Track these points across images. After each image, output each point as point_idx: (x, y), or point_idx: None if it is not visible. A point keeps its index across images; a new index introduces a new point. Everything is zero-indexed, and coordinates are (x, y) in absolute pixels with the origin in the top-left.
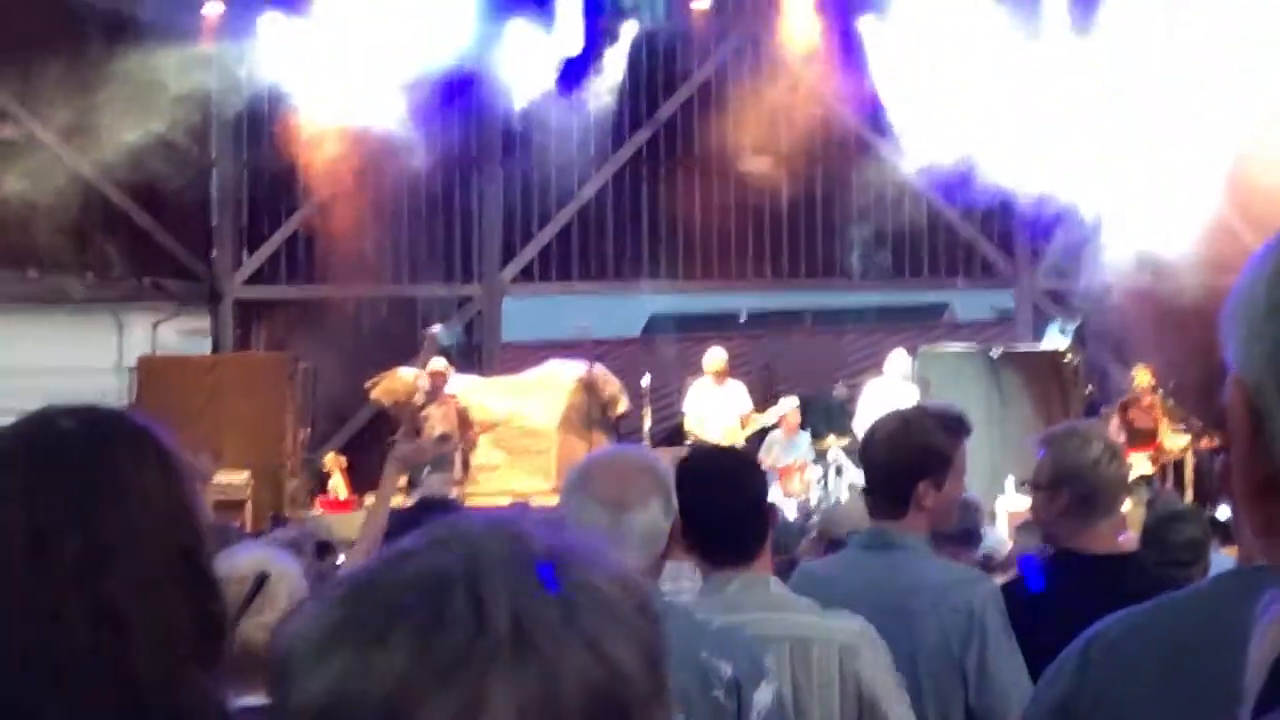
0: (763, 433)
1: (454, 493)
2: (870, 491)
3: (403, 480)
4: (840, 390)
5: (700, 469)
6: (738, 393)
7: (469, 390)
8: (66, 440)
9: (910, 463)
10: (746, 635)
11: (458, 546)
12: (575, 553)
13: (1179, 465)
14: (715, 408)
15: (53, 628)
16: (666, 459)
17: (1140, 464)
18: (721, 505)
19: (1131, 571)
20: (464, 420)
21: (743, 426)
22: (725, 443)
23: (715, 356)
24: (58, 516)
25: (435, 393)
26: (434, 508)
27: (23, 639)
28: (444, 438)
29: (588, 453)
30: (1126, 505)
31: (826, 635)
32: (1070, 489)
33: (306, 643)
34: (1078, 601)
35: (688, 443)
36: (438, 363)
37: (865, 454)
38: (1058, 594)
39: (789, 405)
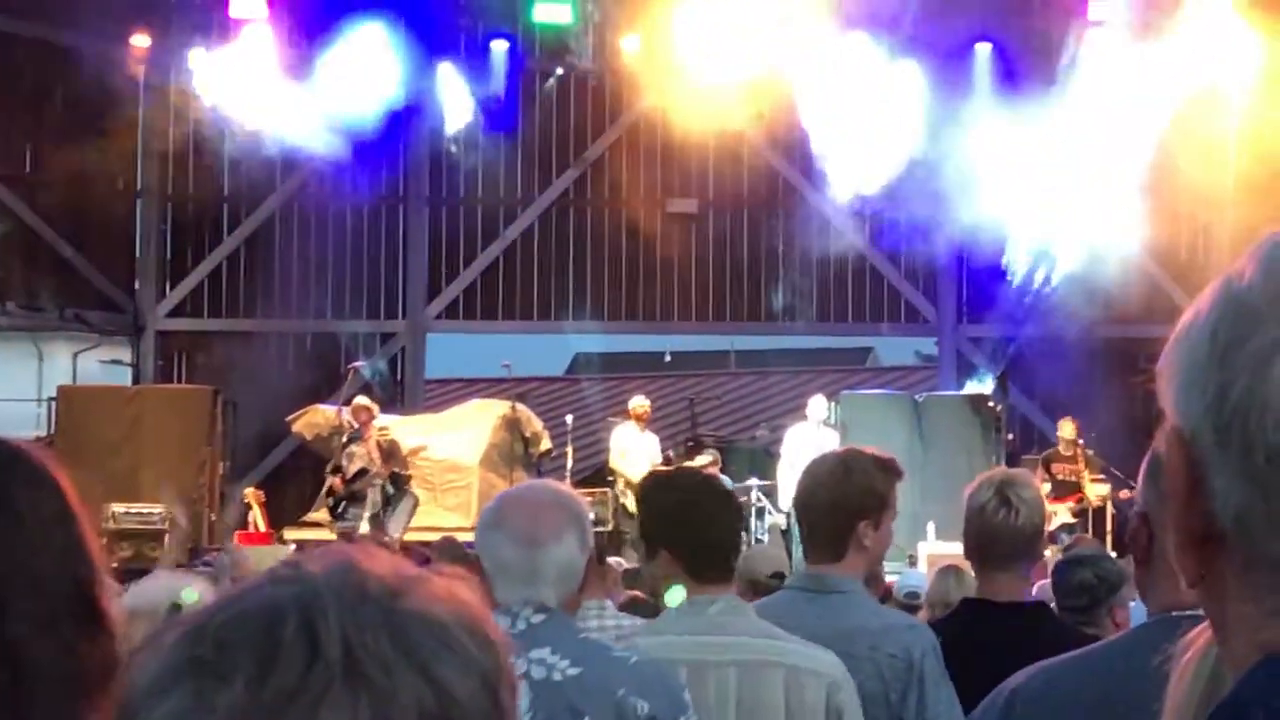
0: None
1: (364, 527)
2: (809, 534)
3: (325, 514)
4: (762, 433)
5: (686, 484)
6: (652, 443)
7: (392, 426)
8: None
9: (850, 504)
10: (665, 670)
11: (293, 581)
12: (415, 585)
13: (1099, 514)
14: (636, 450)
15: None
16: (586, 499)
17: (1062, 514)
18: (716, 521)
19: (1030, 621)
20: (389, 454)
21: None
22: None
23: (640, 402)
24: None
25: (362, 429)
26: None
27: None
28: (360, 473)
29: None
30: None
31: (817, 667)
32: (967, 536)
33: (146, 682)
34: (977, 650)
35: (609, 480)
36: (363, 400)
37: (804, 496)
38: (961, 643)
39: (707, 459)
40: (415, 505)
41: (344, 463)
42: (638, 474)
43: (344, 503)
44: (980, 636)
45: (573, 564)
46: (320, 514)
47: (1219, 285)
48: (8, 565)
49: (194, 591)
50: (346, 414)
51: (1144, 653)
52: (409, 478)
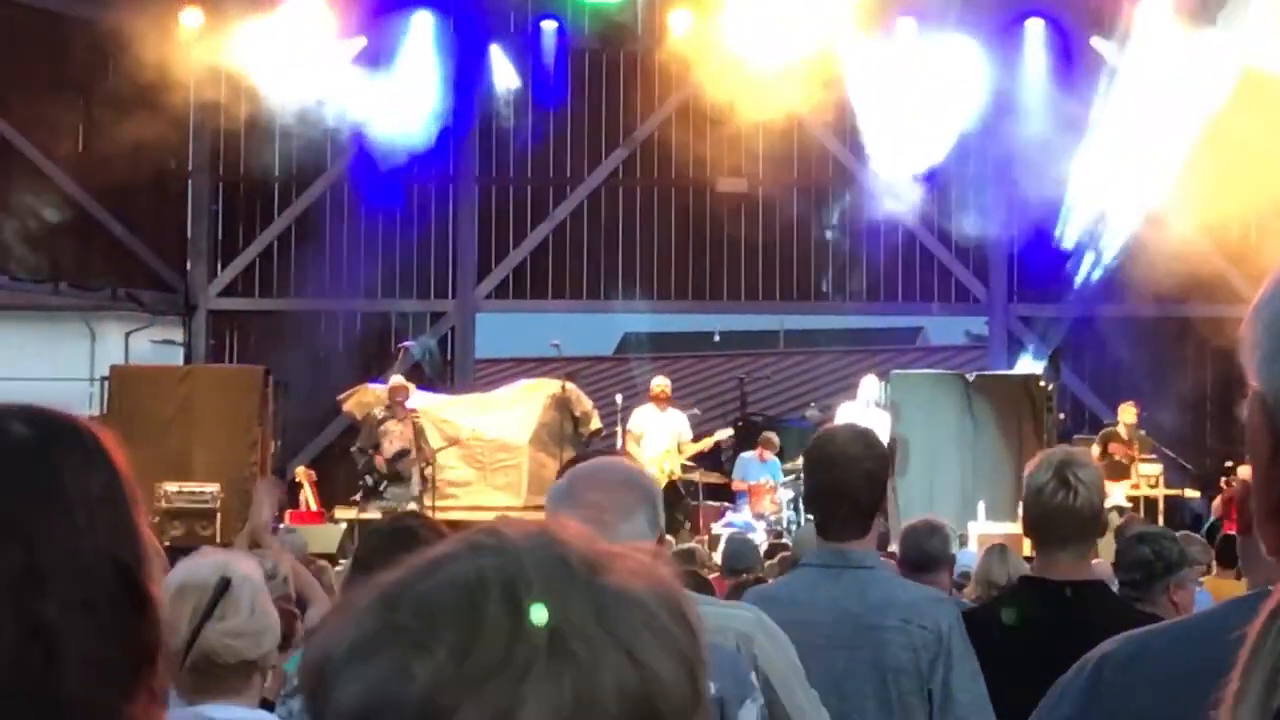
0: (735, 453)
1: (413, 507)
2: (832, 511)
3: (361, 494)
4: (812, 413)
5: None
6: (678, 420)
7: (442, 405)
8: (16, 445)
9: (877, 480)
10: (732, 654)
11: (495, 552)
12: (614, 561)
13: (1150, 499)
14: (655, 431)
15: None
16: None
17: (1116, 495)
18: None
19: (1088, 600)
20: (420, 436)
21: (679, 452)
22: (661, 466)
23: (659, 382)
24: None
25: (395, 408)
26: (407, 523)
27: None
28: (401, 453)
29: (559, 470)
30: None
31: (721, 623)
32: (1026, 515)
33: (344, 648)
34: (1036, 627)
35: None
36: (398, 379)
37: (828, 473)
38: (1020, 620)
39: (724, 434)
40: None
41: (381, 441)
42: (652, 457)
43: (385, 482)
44: (1039, 614)
45: (642, 541)
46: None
47: None
48: (49, 544)
49: (242, 569)
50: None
51: (1237, 624)
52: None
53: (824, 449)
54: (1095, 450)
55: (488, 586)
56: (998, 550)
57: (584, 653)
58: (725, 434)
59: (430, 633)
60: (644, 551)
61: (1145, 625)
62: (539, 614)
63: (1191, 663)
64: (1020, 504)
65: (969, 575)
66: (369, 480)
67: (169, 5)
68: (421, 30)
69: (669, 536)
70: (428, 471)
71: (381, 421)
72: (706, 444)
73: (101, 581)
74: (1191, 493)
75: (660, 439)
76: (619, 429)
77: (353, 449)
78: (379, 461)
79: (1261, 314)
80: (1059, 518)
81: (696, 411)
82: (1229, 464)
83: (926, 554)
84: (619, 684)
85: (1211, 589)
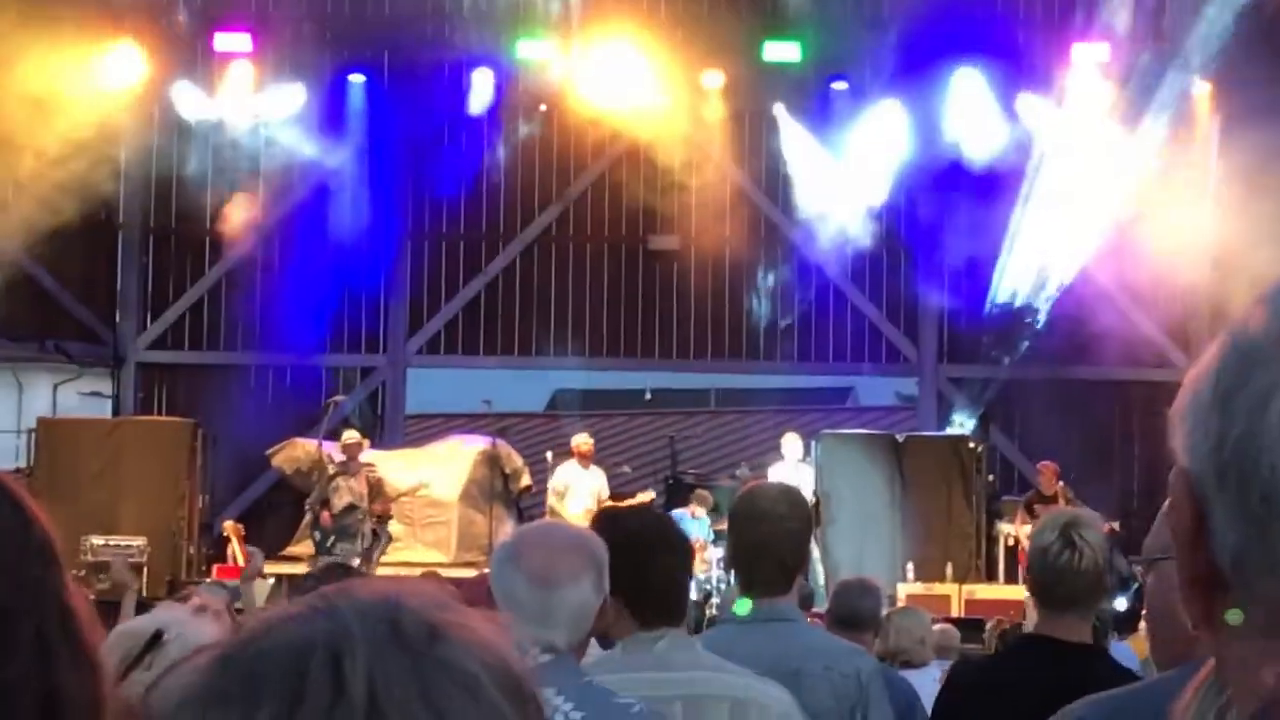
0: (665, 511)
1: (355, 563)
2: (757, 567)
3: (310, 548)
4: (743, 471)
5: (630, 526)
6: (599, 478)
7: (372, 461)
8: None
9: (800, 543)
10: None
11: (326, 616)
12: (453, 631)
13: None
14: (578, 488)
15: None
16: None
17: None
18: (661, 564)
19: (1088, 662)
20: (375, 491)
21: (598, 509)
22: (585, 522)
23: (582, 439)
24: None
25: (349, 463)
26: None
27: None
28: (349, 508)
29: (489, 527)
30: None
31: (765, 700)
32: (1030, 576)
33: (173, 705)
34: (1036, 689)
35: (546, 518)
36: (353, 435)
37: (754, 530)
38: (1020, 681)
39: (647, 496)
40: (388, 542)
41: (330, 496)
42: (575, 513)
43: (332, 537)
44: (1039, 676)
45: (586, 607)
46: (301, 547)
47: (1225, 331)
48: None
49: (175, 623)
50: (328, 448)
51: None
52: (389, 516)
53: (749, 506)
54: (1020, 515)
55: (312, 651)
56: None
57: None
58: (648, 495)
59: (253, 698)
60: (491, 622)
61: None
62: (358, 683)
63: None
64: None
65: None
66: (317, 536)
67: (101, 55)
68: (355, 84)
69: None
70: (374, 527)
71: (333, 478)
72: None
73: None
74: (1119, 556)
75: (583, 496)
76: (549, 486)
77: (305, 504)
78: (325, 518)
79: (1186, 393)
80: (1064, 579)
81: (628, 469)
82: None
83: (856, 613)
84: None
85: (1137, 649)
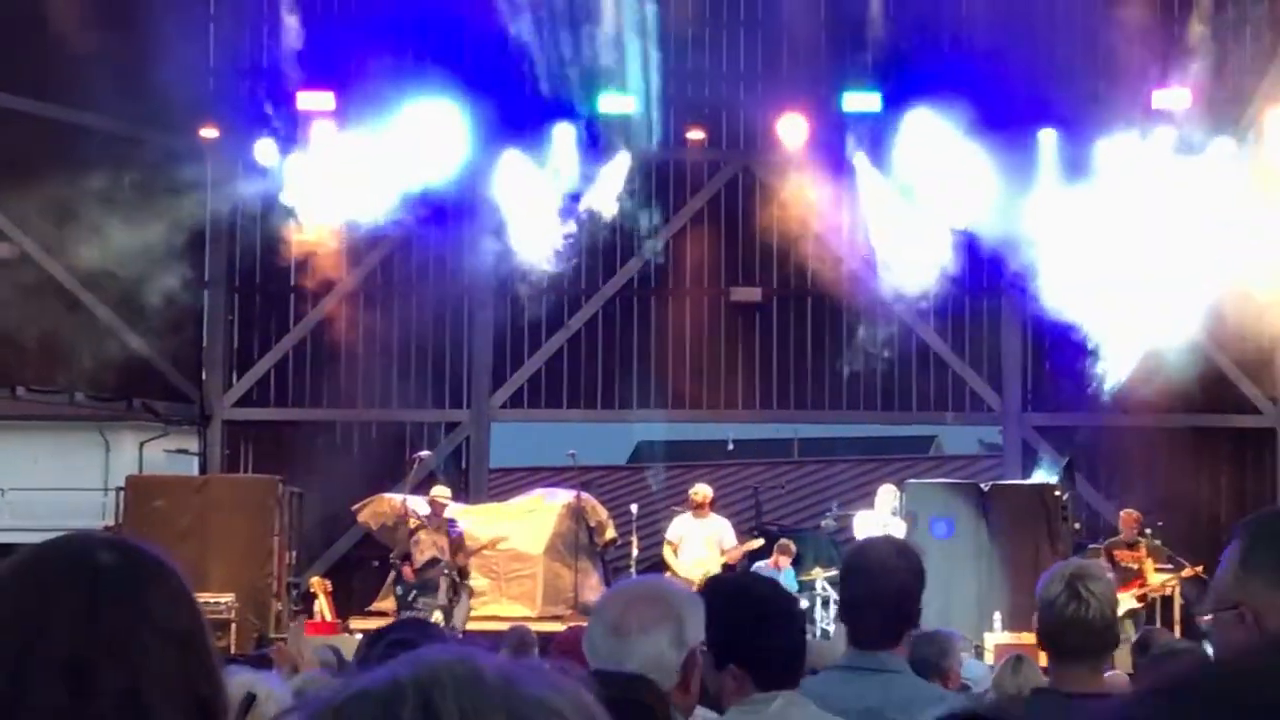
0: (750, 564)
1: (437, 616)
2: (863, 619)
3: (391, 603)
4: (828, 521)
5: (754, 595)
6: (718, 526)
7: (458, 515)
8: (110, 575)
9: (910, 596)
10: None
11: (409, 666)
12: (530, 675)
13: (1166, 601)
14: (692, 539)
15: None
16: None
17: (1126, 601)
18: (785, 631)
19: (1100, 711)
20: (459, 546)
21: (723, 557)
22: (698, 573)
23: (698, 489)
24: (101, 650)
25: (434, 519)
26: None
27: None
28: (431, 562)
29: (573, 580)
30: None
31: None
32: (1039, 628)
33: None
34: None
35: (666, 574)
36: (441, 490)
37: (864, 583)
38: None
39: (755, 543)
40: (470, 596)
41: (411, 550)
42: (688, 566)
43: (414, 591)
44: None
45: (661, 659)
46: (387, 603)
47: None
48: (151, 675)
49: (267, 685)
50: (413, 503)
51: None
52: (470, 570)
53: (860, 559)
54: (1102, 560)
55: (403, 693)
56: (1013, 660)
57: None
58: (756, 543)
59: None
60: (566, 672)
61: None
62: (450, 713)
63: None
64: (1035, 615)
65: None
66: (399, 590)
67: (187, 118)
68: (438, 135)
69: None
70: (455, 580)
71: (414, 531)
72: (737, 553)
73: (187, 707)
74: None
75: (696, 547)
76: (633, 538)
77: (390, 559)
78: (407, 573)
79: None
80: (1071, 629)
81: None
82: None
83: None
84: None
85: None
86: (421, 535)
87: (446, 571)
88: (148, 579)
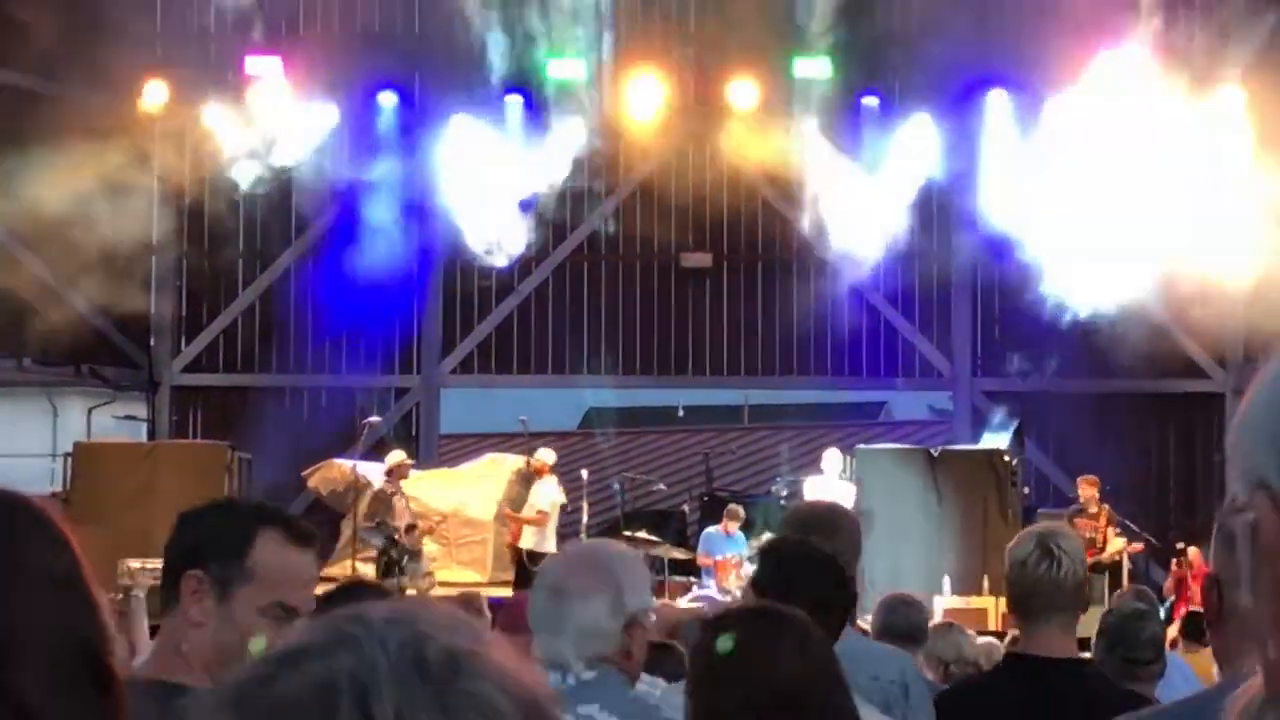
0: (700, 529)
1: (428, 581)
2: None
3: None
4: (779, 487)
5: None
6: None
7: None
8: None
9: (840, 600)
10: None
11: (349, 649)
12: (477, 661)
13: (1115, 569)
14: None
15: None
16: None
17: None
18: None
19: (1074, 676)
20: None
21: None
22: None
23: (538, 455)
24: None
25: (393, 485)
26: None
27: None
28: (410, 527)
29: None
30: None
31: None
32: (1009, 590)
33: None
34: (1022, 705)
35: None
36: (398, 455)
37: (802, 545)
38: (1004, 698)
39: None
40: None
41: (392, 517)
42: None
43: (406, 556)
44: (1024, 692)
45: (597, 625)
46: (338, 568)
47: None
48: (18, 624)
49: (261, 640)
50: (363, 469)
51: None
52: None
53: (791, 523)
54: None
55: (339, 693)
56: (944, 628)
57: None
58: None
59: None
60: (512, 647)
61: (1130, 705)
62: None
63: None
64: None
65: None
66: (393, 555)
67: (133, 81)
68: (387, 104)
69: None
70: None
71: (389, 498)
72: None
73: (69, 659)
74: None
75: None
76: (583, 504)
77: (366, 526)
78: (402, 538)
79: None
80: (1043, 589)
81: (662, 486)
82: (1180, 545)
83: (914, 625)
84: None
85: (1191, 664)
86: (396, 501)
87: (420, 537)
88: (20, 526)
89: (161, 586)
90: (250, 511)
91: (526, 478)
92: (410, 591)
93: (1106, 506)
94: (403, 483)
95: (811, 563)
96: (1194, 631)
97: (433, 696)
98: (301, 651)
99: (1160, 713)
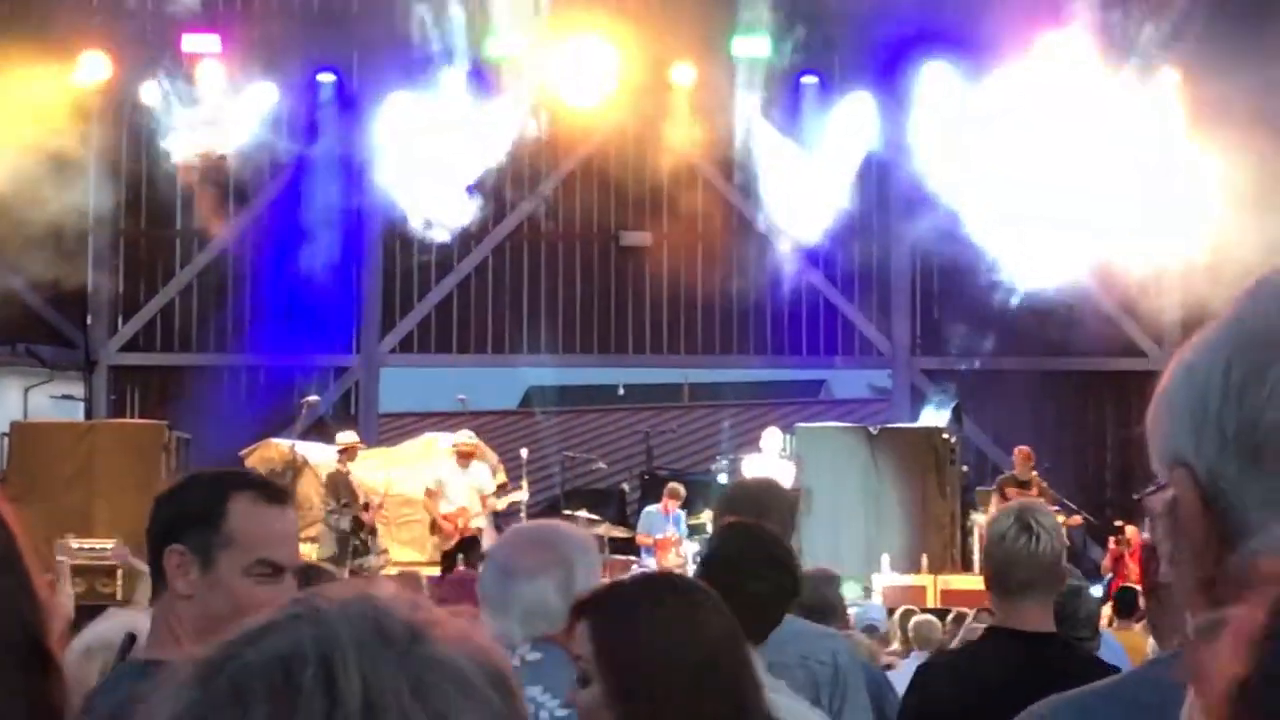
0: (640, 507)
1: (381, 561)
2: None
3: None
4: (719, 466)
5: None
6: (480, 473)
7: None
8: None
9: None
10: None
11: (310, 622)
12: (433, 629)
13: None
14: (456, 486)
15: None
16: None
17: None
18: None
19: (1053, 651)
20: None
21: (482, 506)
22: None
23: (461, 437)
24: None
25: (346, 465)
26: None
27: None
28: (367, 505)
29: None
30: None
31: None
32: (986, 565)
33: None
34: (1000, 681)
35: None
36: (350, 435)
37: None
38: (983, 673)
39: (520, 496)
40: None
41: (351, 497)
42: (449, 512)
43: (367, 537)
44: (1002, 667)
45: (544, 604)
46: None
47: (1221, 327)
48: None
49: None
50: (302, 448)
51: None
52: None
53: (723, 505)
54: (994, 499)
55: (303, 660)
56: (902, 613)
57: None
58: (522, 495)
59: (244, 708)
60: (464, 617)
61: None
62: (352, 688)
63: None
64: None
65: (876, 628)
66: (361, 536)
67: (69, 57)
68: (326, 81)
69: None
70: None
71: (345, 477)
72: (501, 503)
73: (7, 642)
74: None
75: (460, 496)
76: (523, 483)
77: (331, 509)
78: (367, 518)
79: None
80: (1021, 563)
81: (602, 465)
82: (1118, 523)
83: (829, 601)
84: None
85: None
86: (352, 481)
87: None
88: None
89: (150, 572)
90: (220, 479)
91: (464, 457)
92: (373, 568)
93: (1042, 479)
94: (323, 461)
95: (761, 546)
96: (1125, 609)
97: (398, 664)
98: (264, 629)
99: (1098, 691)
